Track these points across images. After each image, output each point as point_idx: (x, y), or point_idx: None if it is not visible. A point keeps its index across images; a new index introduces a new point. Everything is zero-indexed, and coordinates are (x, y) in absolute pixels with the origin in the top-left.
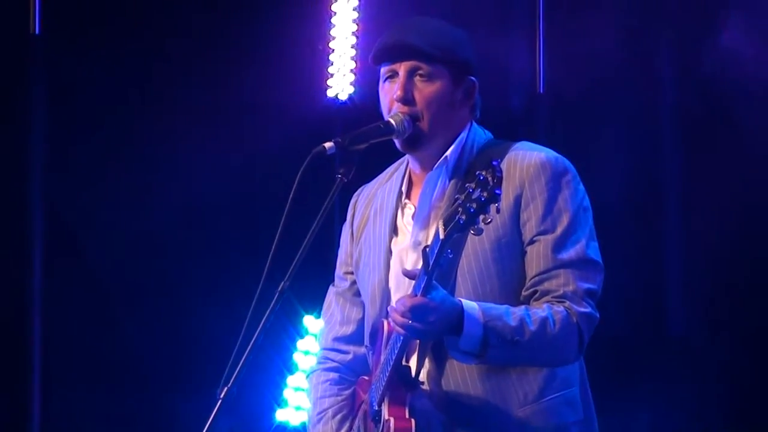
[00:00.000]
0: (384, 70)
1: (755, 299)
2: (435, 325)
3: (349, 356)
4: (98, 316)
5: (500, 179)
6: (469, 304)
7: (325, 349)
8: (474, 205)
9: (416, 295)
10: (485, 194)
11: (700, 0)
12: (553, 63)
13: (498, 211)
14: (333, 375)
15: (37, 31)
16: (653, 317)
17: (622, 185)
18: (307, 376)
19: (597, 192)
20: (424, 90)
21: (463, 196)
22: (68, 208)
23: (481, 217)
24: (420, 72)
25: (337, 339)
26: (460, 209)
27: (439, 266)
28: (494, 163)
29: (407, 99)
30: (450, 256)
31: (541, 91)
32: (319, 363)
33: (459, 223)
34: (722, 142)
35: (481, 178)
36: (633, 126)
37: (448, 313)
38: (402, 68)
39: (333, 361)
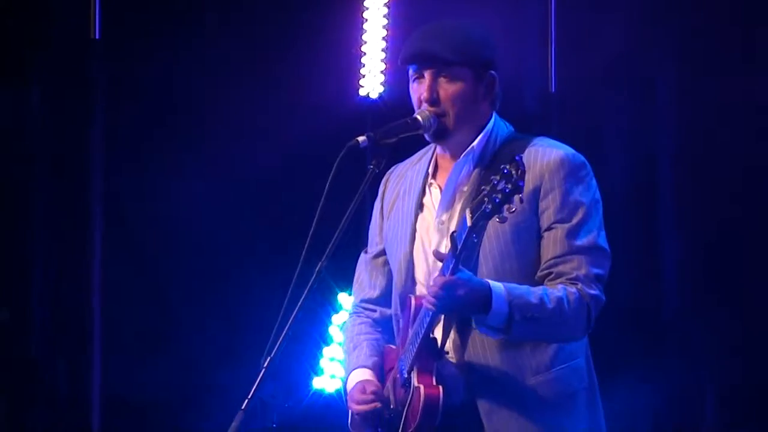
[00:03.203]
0: (411, 72)
1: (741, 288)
2: (461, 299)
3: (376, 314)
4: (153, 294)
5: (524, 173)
6: (496, 284)
7: (356, 305)
8: (499, 196)
9: (444, 275)
10: (509, 186)
11: (702, 3)
12: (565, 63)
13: (522, 201)
14: (366, 320)
15: (97, 36)
16: (649, 303)
17: (624, 179)
18: (342, 327)
19: (600, 184)
20: (448, 90)
21: (488, 187)
22: (126, 202)
23: (506, 206)
24: (443, 74)
25: (364, 300)
26: (485, 199)
27: (465, 249)
28: (517, 158)
29: (433, 99)
30: (475, 240)
31: (553, 90)
32: (353, 314)
33: (485, 212)
34: (719, 139)
35: (506, 171)
36: (636, 122)
37: (476, 291)
38: (427, 73)
39: (364, 313)
